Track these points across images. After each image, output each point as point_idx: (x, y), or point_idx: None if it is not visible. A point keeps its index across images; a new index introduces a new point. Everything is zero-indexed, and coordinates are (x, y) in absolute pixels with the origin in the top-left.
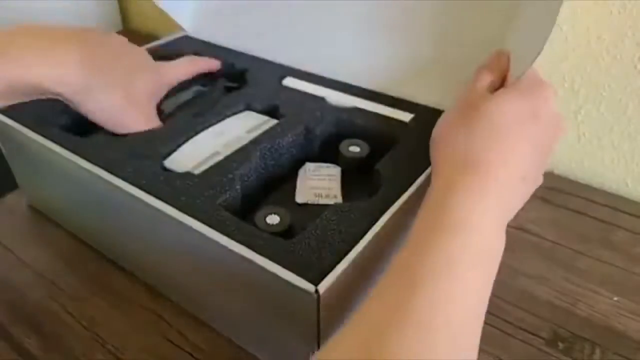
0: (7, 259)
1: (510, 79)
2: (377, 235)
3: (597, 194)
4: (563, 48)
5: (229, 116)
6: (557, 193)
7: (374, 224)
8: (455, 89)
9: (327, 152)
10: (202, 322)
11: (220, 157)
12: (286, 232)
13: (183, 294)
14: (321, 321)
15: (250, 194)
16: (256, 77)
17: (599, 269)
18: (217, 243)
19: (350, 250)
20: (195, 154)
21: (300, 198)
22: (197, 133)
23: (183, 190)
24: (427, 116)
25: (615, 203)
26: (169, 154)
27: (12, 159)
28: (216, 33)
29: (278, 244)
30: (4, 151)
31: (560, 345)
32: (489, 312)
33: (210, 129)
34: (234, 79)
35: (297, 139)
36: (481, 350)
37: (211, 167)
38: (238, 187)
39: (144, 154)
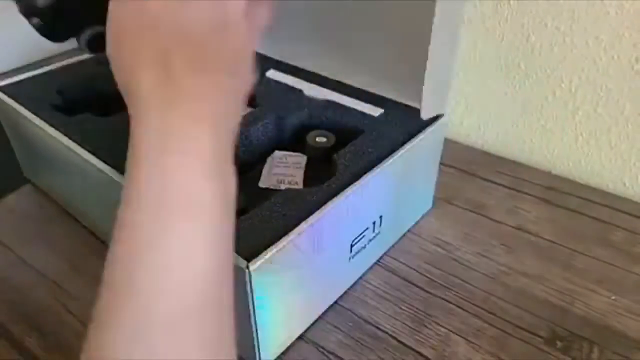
0: (8, 258)
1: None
2: (320, 219)
3: (595, 193)
4: (561, 48)
5: None
6: (555, 193)
7: (317, 210)
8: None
9: (297, 142)
10: None
11: None
12: (240, 213)
13: None
14: (255, 299)
15: None
16: None
17: (597, 268)
18: None
19: (288, 232)
20: None
21: (262, 183)
22: None
23: None
24: (397, 111)
25: (613, 202)
26: None
27: (11, 136)
28: None
29: None
30: (5, 128)
31: (559, 344)
32: (488, 312)
33: None
34: None
35: (268, 128)
36: (480, 349)
37: None
38: None
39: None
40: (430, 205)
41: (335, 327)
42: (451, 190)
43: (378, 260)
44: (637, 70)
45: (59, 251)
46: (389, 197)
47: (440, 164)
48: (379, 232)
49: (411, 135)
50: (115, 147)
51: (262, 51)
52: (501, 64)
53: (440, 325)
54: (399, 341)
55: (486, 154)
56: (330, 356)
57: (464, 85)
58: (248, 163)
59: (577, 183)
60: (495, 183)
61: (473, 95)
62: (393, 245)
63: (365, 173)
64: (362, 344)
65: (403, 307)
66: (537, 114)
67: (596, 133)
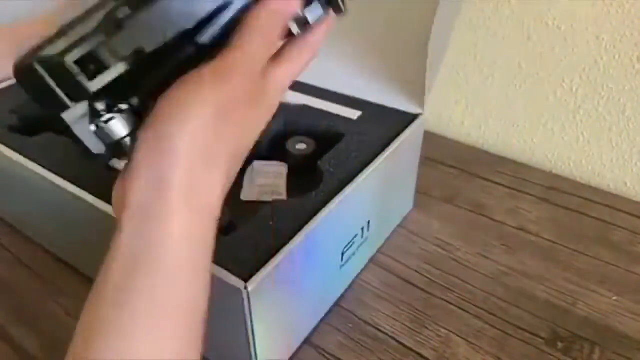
0: (7, 260)
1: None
2: (313, 231)
3: (596, 193)
4: (562, 48)
5: None
6: (556, 193)
7: (309, 221)
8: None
9: (276, 150)
10: None
11: None
12: (227, 229)
13: None
14: (253, 317)
15: None
16: None
17: (598, 269)
18: None
19: (283, 247)
20: None
21: (245, 196)
22: None
23: None
24: (375, 113)
25: (614, 203)
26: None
27: None
28: None
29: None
30: None
31: (560, 344)
32: (488, 312)
33: None
34: None
35: None
36: (481, 350)
37: None
38: None
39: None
40: (412, 203)
41: (336, 328)
42: (451, 190)
43: (369, 262)
44: (638, 69)
45: None
46: (376, 200)
47: (441, 164)
48: (367, 237)
49: (393, 136)
50: (84, 168)
51: None
52: (502, 63)
53: (441, 327)
54: (399, 342)
55: (487, 154)
56: (331, 358)
57: (465, 85)
58: None
59: (578, 183)
60: (496, 183)
61: (474, 95)
62: (379, 249)
63: (352, 179)
64: (362, 345)
65: (403, 308)
66: (538, 113)
67: (597, 133)
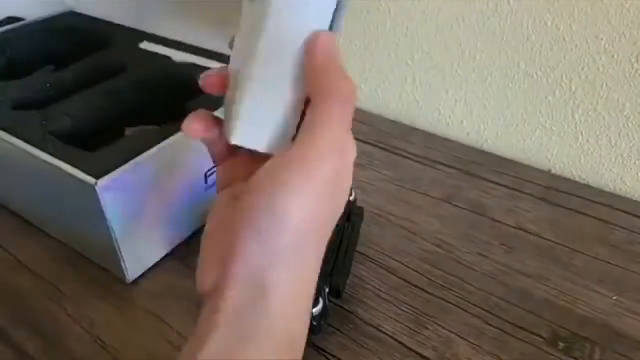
0: (7, 262)
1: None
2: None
3: (595, 193)
4: (561, 47)
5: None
6: (555, 192)
7: (159, 142)
8: None
9: (165, 106)
10: None
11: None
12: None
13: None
14: (107, 213)
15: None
16: (116, 42)
17: (598, 268)
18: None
19: (137, 156)
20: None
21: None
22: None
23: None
24: None
25: (613, 202)
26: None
27: None
28: (96, 9)
29: (86, 155)
30: None
31: (561, 344)
32: (488, 312)
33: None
34: (99, 47)
35: (135, 89)
36: (481, 350)
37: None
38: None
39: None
40: None
41: (336, 329)
42: (451, 190)
43: (376, 261)
44: (637, 69)
45: (59, 254)
46: None
47: (441, 163)
48: None
49: None
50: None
51: (135, 26)
52: (501, 63)
53: (441, 327)
54: (399, 342)
55: (486, 154)
56: (332, 359)
57: (464, 84)
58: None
59: (578, 182)
60: (495, 183)
61: (473, 95)
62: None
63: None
64: (363, 346)
65: (403, 309)
66: (537, 113)
67: (596, 132)
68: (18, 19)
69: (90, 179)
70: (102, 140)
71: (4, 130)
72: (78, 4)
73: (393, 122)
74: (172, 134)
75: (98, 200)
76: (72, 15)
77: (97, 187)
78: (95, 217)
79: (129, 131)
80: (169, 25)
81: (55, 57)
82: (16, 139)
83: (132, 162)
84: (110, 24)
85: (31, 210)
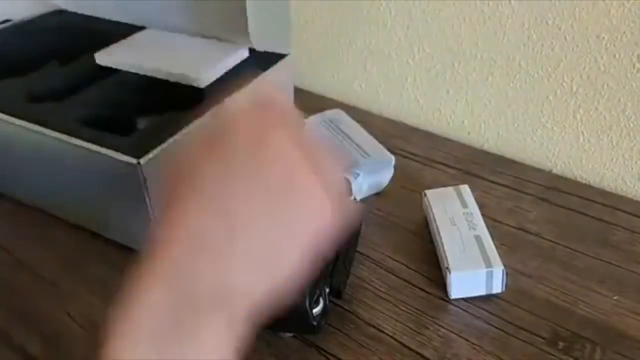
0: (7, 261)
1: None
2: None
3: (596, 192)
4: (562, 47)
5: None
6: (556, 192)
7: (186, 125)
8: None
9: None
10: None
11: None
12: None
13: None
14: (149, 193)
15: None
16: (112, 36)
17: (599, 268)
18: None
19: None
20: None
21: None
22: None
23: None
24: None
25: (614, 202)
26: None
27: None
28: (84, 6)
29: (122, 139)
30: None
31: (561, 344)
32: (489, 312)
33: None
34: (93, 43)
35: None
36: (482, 351)
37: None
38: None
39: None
40: None
41: (336, 329)
42: None
43: (376, 261)
44: (639, 68)
45: (59, 253)
46: None
47: (441, 163)
48: None
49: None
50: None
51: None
52: (502, 62)
53: (441, 326)
54: (400, 342)
55: (487, 153)
56: (332, 358)
57: (465, 83)
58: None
59: (578, 182)
60: (496, 183)
61: (474, 94)
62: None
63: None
64: (363, 345)
65: (404, 309)
66: (538, 113)
67: (597, 132)
68: (5, 21)
69: (131, 159)
70: (115, 132)
71: (32, 122)
72: (66, 3)
73: (393, 121)
74: (192, 120)
75: (139, 180)
76: (61, 13)
77: (139, 166)
78: (136, 198)
79: (141, 122)
80: (161, 18)
81: (50, 55)
82: (48, 130)
83: (170, 139)
84: (99, 19)
85: (55, 199)
